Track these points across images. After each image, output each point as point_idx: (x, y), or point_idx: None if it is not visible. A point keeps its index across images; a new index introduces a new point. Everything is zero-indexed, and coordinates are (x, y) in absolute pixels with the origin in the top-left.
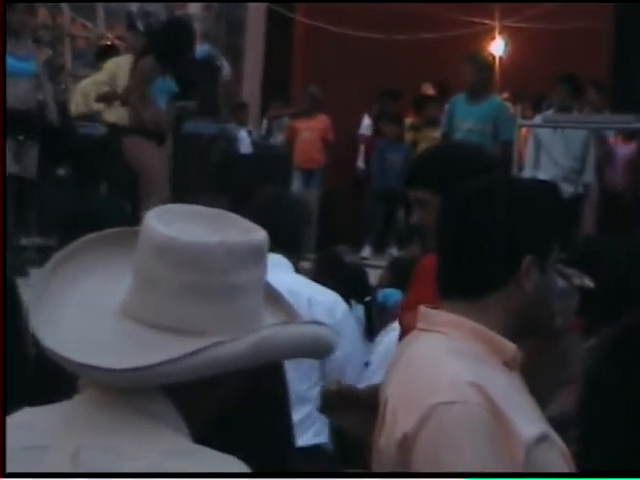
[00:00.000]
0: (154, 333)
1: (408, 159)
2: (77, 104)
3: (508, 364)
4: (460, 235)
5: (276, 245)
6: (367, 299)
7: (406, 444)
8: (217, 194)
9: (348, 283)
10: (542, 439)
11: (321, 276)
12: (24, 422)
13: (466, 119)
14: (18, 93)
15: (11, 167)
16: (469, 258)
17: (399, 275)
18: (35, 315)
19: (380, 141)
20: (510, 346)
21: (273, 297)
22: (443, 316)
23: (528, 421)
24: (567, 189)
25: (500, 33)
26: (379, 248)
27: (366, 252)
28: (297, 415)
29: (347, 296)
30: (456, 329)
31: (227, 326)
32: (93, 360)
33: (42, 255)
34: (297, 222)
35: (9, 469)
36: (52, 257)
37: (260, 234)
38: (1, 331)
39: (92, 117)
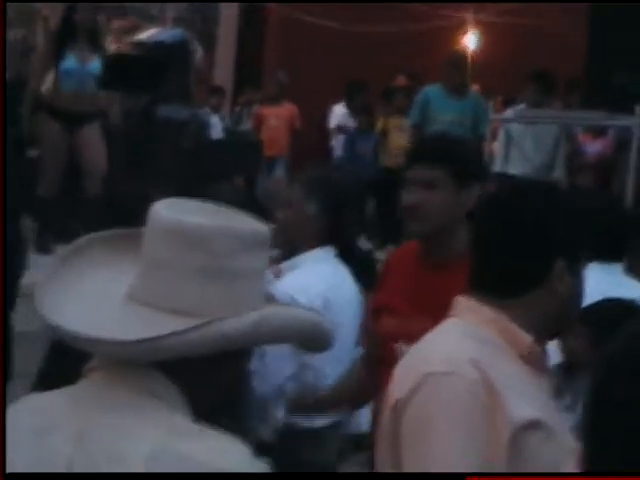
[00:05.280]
0: (159, 313)
1: (377, 149)
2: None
3: (524, 357)
4: (495, 236)
5: None
6: None
7: (398, 409)
8: (189, 179)
9: None
10: (534, 425)
11: None
12: (31, 405)
13: (446, 112)
14: None
15: None
16: (502, 260)
17: (356, 265)
18: (41, 300)
19: (350, 131)
20: (526, 339)
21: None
22: (465, 302)
23: (525, 405)
24: None
25: (473, 27)
26: None
27: None
28: None
29: None
30: (475, 315)
31: (230, 309)
32: (101, 334)
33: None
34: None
35: (17, 453)
36: (61, 250)
37: (264, 225)
38: (1, 338)
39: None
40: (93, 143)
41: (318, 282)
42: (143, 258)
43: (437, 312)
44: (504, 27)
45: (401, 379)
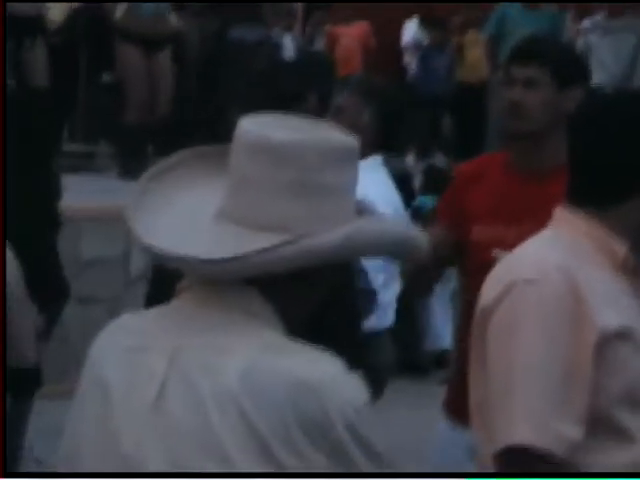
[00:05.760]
0: (249, 230)
1: (452, 64)
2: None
3: (618, 266)
4: (588, 146)
5: None
6: (413, 204)
7: (485, 314)
8: (264, 99)
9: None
10: (623, 334)
11: None
12: (125, 325)
13: (523, 25)
14: None
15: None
16: (596, 170)
17: (433, 181)
18: (134, 220)
19: (424, 47)
20: (621, 250)
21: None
22: (560, 213)
23: (614, 314)
24: None
25: None
26: (423, 155)
27: (410, 159)
28: None
29: None
30: (569, 226)
31: (320, 223)
32: (192, 252)
33: (87, 161)
34: None
35: (112, 371)
36: (149, 169)
37: (352, 138)
38: (1, 334)
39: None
40: (164, 70)
41: (375, 190)
42: (231, 176)
43: (534, 221)
44: None
45: (490, 286)
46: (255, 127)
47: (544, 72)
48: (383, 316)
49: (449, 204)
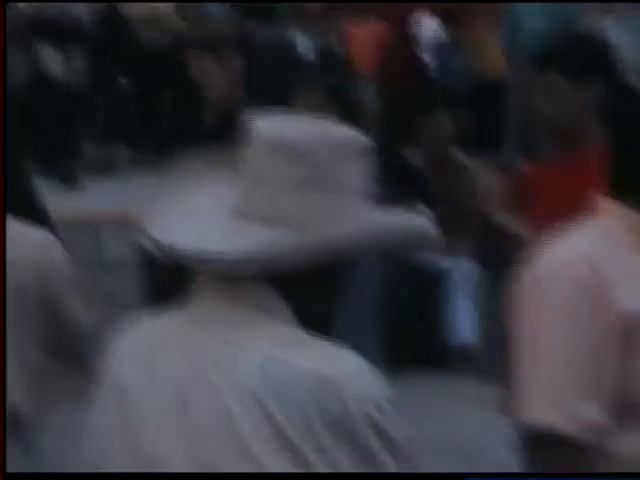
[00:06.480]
0: (263, 226)
1: (469, 61)
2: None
3: None
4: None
5: None
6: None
7: (517, 304)
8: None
9: None
10: None
11: None
12: (141, 329)
13: (536, 19)
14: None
15: (61, 75)
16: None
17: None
18: (149, 223)
19: (441, 44)
20: None
21: None
22: (600, 203)
23: None
24: None
25: None
26: None
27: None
28: None
29: None
30: (605, 214)
31: (332, 219)
32: (206, 248)
33: (107, 164)
34: None
35: (129, 372)
36: (160, 175)
37: (360, 133)
38: (1, 335)
39: (158, 24)
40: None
41: None
42: (244, 174)
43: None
44: None
45: (524, 277)
46: (267, 126)
47: (559, 77)
48: None
49: None
